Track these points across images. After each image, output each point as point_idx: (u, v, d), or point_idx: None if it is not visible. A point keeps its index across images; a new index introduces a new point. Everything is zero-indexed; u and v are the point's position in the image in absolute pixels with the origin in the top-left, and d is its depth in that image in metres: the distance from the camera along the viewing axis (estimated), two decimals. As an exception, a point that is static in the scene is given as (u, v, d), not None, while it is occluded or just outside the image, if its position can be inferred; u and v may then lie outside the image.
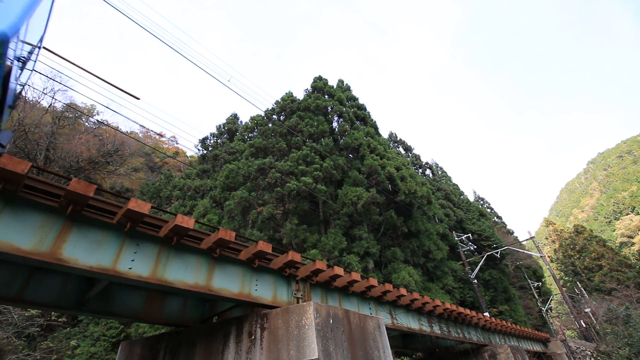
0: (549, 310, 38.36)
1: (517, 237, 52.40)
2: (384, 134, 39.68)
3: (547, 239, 71.02)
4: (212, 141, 33.72)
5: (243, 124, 34.03)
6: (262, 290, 4.92)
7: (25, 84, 4.27)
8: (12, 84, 3.02)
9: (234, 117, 36.36)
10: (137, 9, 5.59)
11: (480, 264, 26.14)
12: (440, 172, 48.75)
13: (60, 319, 16.76)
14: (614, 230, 72.93)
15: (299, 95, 30.14)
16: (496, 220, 54.46)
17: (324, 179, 20.05)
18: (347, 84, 31.73)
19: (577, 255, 57.51)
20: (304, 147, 21.67)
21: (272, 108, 28.79)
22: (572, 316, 30.71)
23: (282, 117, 28.40)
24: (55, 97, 23.16)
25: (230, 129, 34.45)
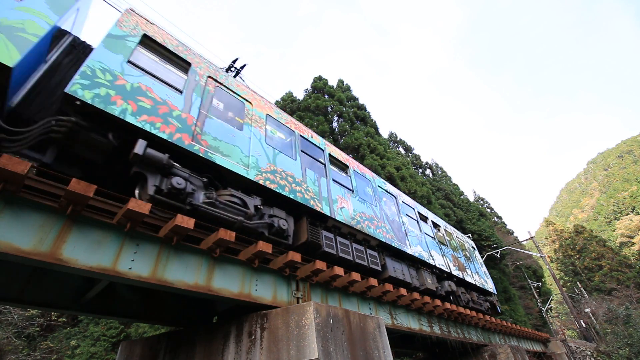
0: (549, 310, 38.35)
1: (517, 237, 52.39)
2: (384, 134, 39.68)
3: (547, 239, 70.97)
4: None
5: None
6: (262, 290, 4.92)
7: None
8: None
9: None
10: (138, 10, 5.59)
11: (480, 264, 26.09)
12: (440, 172, 48.72)
13: (60, 319, 16.75)
14: (614, 230, 72.88)
15: (299, 95, 30.13)
16: (496, 220, 54.45)
17: (324, 179, 20.03)
18: (347, 84, 31.71)
19: (577, 255, 57.50)
20: (304, 147, 21.65)
21: (272, 108, 28.79)
22: (572, 316, 30.71)
23: (282, 117, 28.38)
24: None
25: (230, 129, 34.41)
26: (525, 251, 34.37)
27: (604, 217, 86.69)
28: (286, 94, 29.56)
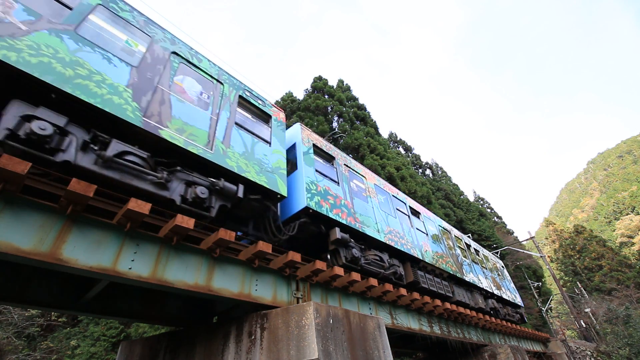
0: (549, 310, 38.31)
1: (517, 237, 52.34)
2: (384, 134, 39.65)
3: (547, 239, 70.90)
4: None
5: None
6: (262, 290, 4.92)
7: None
8: None
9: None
10: (139, 11, 5.59)
11: (480, 264, 26.08)
12: (440, 172, 48.71)
13: (60, 319, 16.75)
14: (614, 230, 72.83)
15: (300, 95, 30.10)
16: (496, 220, 54.41)
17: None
18: (347, 84, 31.69)
19: (577, 255, 57.45)
20: (304, 147, 21.70)
21: (272, 108, 28.81)
22: (572, 316, 30.69)
23: (282, 117, 28.43)
24: None
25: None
26: (525, 251, 34.36)
27: (604, 217, 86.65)
28: (286, 94, 29.54)
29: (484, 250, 16.67)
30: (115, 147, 3.95)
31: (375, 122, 30.07)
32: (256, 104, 6.84)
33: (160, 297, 5.88)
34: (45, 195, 3.41)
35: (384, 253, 7.96)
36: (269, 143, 6.46)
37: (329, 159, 8.16)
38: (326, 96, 28.91)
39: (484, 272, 13.96)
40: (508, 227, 56.69)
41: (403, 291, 7.34)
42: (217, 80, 6.23)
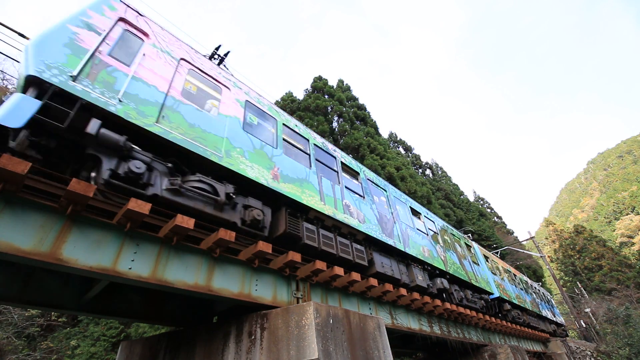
0: (549, 310, 38.23)
1: (517, 237, 52.33)
2: (384, 134, 39.64)
3: (547, 239, 70.80)
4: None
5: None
6: (262, 290, 4.92)
7: None
8: None
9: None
10: (141, 13, 5.58)
11: (481, 264, 26.09)
12: (440, 172, 48.70)
13: (60, 319, 16.74)
14: (614, 230, 72.74)
15: (300, 95, 30.08)
16: (496, 220, 54.40)
17: (324, 179, 20.09)
18: (347, 84, 31.66)
19: (577, 255, 57.36)
20: (304, 147, 21.65)
21: (272, 108, 28.74)
22: (572, 316, 30.66)
23: (282, 117, 28.37)
24: None
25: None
26: (525, 251, 34.35)
27: (604, 217, 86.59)
28: (286, 93, 29.52)
29: (534, 283, 21.81)
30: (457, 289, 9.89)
31: (375, 122, 30.06)
32: (466, 241, 12.17)
33: (160, 297, 5.88)
34: (45, 195, 3.41)
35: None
36: (479, 264, 11.75)
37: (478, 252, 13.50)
38: (326, 96, 28.88)
39: (545, 305, 20.10)
40: (508, 227, 56.67)
41: (403, 291, 7.33)
42: (449, 233, 11.41)
